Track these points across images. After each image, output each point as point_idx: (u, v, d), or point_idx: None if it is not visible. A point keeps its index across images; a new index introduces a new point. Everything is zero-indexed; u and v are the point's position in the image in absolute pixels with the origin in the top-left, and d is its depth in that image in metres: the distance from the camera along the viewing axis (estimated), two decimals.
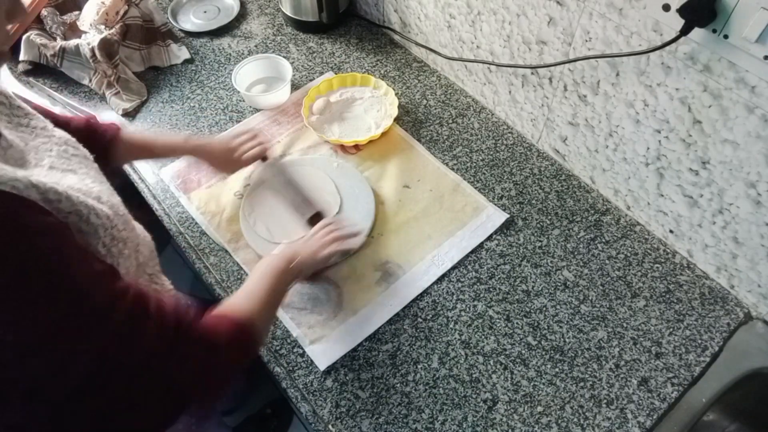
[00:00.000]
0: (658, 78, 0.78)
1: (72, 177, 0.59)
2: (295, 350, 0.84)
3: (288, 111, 1.13)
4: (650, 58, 0.77)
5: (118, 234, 0.61)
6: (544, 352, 0.84)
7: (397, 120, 1.10)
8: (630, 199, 0.96)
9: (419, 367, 0.82)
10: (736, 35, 0.64)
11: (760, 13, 0.61)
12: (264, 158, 0.98)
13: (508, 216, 0.97)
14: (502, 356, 0.83)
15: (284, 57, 1.23)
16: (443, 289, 0.90)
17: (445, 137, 1.09)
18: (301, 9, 1.25)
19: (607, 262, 0.93)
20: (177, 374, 0.55)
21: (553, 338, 0.85)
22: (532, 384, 0.81)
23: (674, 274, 0.92)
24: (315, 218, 0.93)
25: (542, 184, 1.02)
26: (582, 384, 0.81)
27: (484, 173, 1.04)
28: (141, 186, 1.03)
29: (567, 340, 0.85)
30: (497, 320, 0.87)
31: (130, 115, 1.13)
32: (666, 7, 0.69)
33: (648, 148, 0.87)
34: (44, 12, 1.18)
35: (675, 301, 0.89)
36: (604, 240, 0.95)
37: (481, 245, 0.94)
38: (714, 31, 0.66)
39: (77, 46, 1.12)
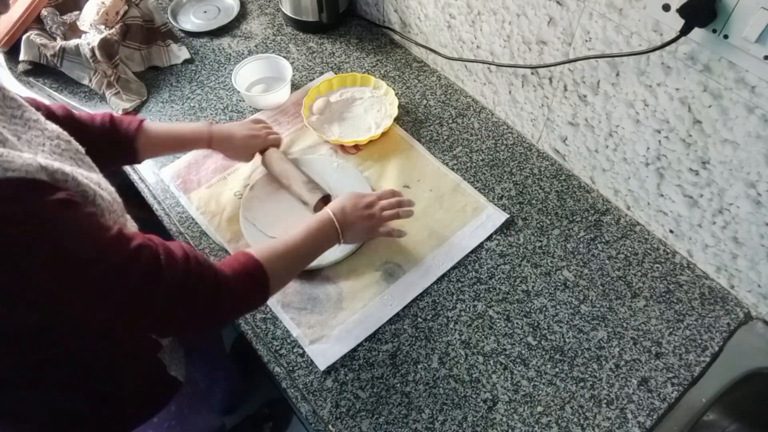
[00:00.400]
0: (658, 78, 0.78)
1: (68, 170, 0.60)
2: (295, 350, 0.84)
3: (288, 111, 1.13)
4: (650, 58, 0.77)
5: (117, 219, 0.64)
6: (544, 352, 0.84)
7: (397, 120, 1.10)
8: (630, 199, 0.96)
9: (419, 367, 0.82)
10: (736, 35, 0.64)
11: (760, 13, 0.61)
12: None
13: (508, 216, 0.97)
14: (502, 356, 0.83)
15: (284, 57, 1.23)
16: (443, 289, 0.90)
17: (445, 137, 1.09)
18: (301, 9, 1.25)
19: (607, 262, 0.93)
20: (190, 313, 0.62)
21: (553, 338, 0.85)
22: (532, 384, 0.81)
23: (674, 274, 0.92)
24: (323, 202, 0.93)
25: (542, 184, 1.02)
26: (582, 384, 0.81)
27: (484, 173, 1.04)
28: (141, 186, 1.03)
29: (567, 340, 0.85)
30: (497, 320, 0.87)
31: (129, 115, 1.13)
32: (666, 7, 0.69)
33: (648, 148, 0.87)
34: (44, 12, 1.18)
35: (675, 301, 0.89)
36: (604, 240, 0.95)
37: (481, 245, 0.94)
38: (714, 31, 0.66)
39: (77, 46, 1.12)
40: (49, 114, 0.75)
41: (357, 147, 1.07)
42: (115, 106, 1.13)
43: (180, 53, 1.23)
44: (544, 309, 0.88)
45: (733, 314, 0.87)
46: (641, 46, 0.77)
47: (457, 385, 0.81)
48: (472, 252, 0.94)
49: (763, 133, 0.70)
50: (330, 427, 0.77)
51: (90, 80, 1.15)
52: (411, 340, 0.85)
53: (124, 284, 0.56)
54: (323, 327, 0.85)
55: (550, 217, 0.98)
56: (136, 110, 1.14)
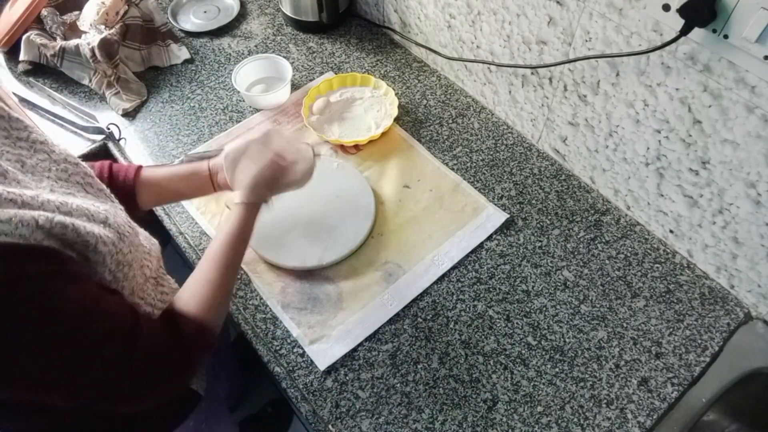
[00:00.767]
0: (658, 78, 0.78)
1: (73, 200, 0.58)
2: (295, 350, 0.84)
3: (288, 111, 1.13)
4: (650, 58, 0.77)
5: (123, 258, 0.61)
6: (544, 352, 0.84)
7: (397, 120, 1.10)
8: (630, 199, 0.96)
9: (419, 367, 0.82)
10: (736, 35, 0.64)
11: (760, 13, 0.61)
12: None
13: (508, 216, 0.97)
14: (502, 356, 0.83)
15: (284, 57, 1.23)
16: (443, 289, 0.90)
17: (445, 137, 1.09)
18: (301, 9, 1.25)
19: (607, 262, 0.93)
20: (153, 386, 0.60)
21: (553, 338, 0.85)
22: (532, 384, 0.81)
23: (674, 274, 0.92)
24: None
25: (542, 184, 1.02)
26: (582, 384, 0.81)
27: (484, 173, 1.04)
28: None
29: (567, 340, 0.85)
30: (497, 320, 0.87)
31: (129, 115, 1.13)
32: (666, 7, 0.69)
33: (648, 148, 0.87)
34: (44, 12, 1.18)
35: (675, 301, 0.89)
36: (604, 240, 0.95)
37: (481, 245, 0.94)
38: (714, 31, 0.66)
39: (77, 46, 1.12)
40: None
41: (357, 147, 1.07)
42: (115, 106, 1.13)
43: (180, 53, 1.23)
44: (544, 309, 0.88)
45: (733, 314, 0.87)
46: (641, 46, 0.77)
47: (457, 385, 0.81)
48: (472, 252, 0.94)
49: (763, 133, 0.70)
50: (330, 427, 0.77)
51: (90, 80, 1.15)
52: (411, 340, 0.85)
53: (99, 360, 0.53)
54: (323, 327, 0.85)
55: (550, 217, 0.98)
56: (136, 110, 1.14)
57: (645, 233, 0.96)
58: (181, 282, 0.84)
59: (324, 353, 0.83)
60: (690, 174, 0.83)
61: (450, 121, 1.12)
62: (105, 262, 0.58)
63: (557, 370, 0.82)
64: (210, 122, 1.12)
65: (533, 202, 1.00)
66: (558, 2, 0.84)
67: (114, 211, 0.63)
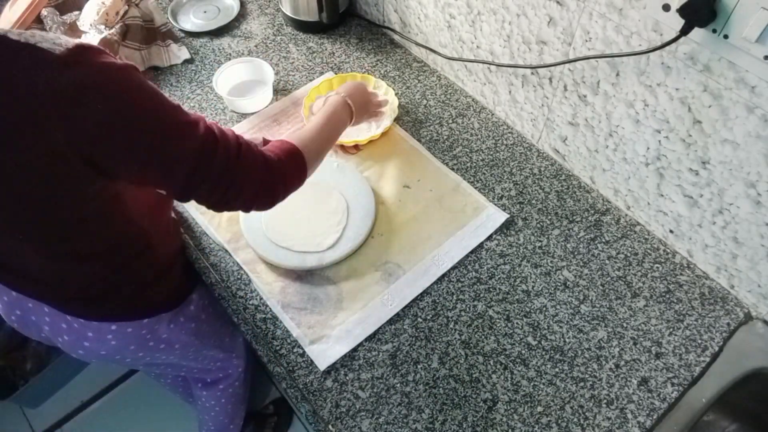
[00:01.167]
0: (658, 78, 0.78)
1: None
2: (295, 350, 0.84)
3: (288, 111, 1.13)
4: (650, 58, 0.77)
5: None
6: (544, 352, 0.84)
7: (397, 120, 1.10)
8: (630, 199, 0.96)
9: (419, 367, 0.82)
10: (736, 35, 0.64)
11: (760, 13, 0.61)
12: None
13: (508, 216, 0.97)
14: (502, 356, 0.83)
15: (284, 57, 1.23)
16: (443, 289, 0.90)
17: (445, 137, 1.09)
18: (301, 9, 1.25)
19: (607, 262, 0.93)
20: (242, 184, 0.70)
21: (553, 338, 0.85)
22: (532, 384, 0.81)
23: (674, 274, 0.92)
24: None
25: (542, 184, 1.03)
26: (582, 384, 0.81)
27: (484, 173, 1.04)
28: None
29: (567, 340, 0.85)
30: (497, 320, 0.87)
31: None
32: (666, 7, 0.69)
33: (648, 148, 0.87)
34: (44, 12, 1.18)
35: (675, 301, 0.89)
36: (604, 240, 0.95)
37: (481, 245, 0.94)
38: (714, 31, 0.66)
39: None
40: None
41: (357, 147, 1.07)
42: None
43: (180, 53, 1.23)
44: (544, 309, 0.88)
45: (733, 314, 0.87)
46: (641, 46, 0.77)
47: (457, 385, 0.81)
48: (472, 252, 0.94)
49: (763, 133, 0.70)
50: (330, 427, 0.77)
51: None
52: (411, 340, 0.85)
53: (185, 147, 0.65)
54: (323, 327, 0.85)
55: (550, 217, 0.98)
56: None
57: (645, 233, 0.96)
58: None
59: (324, 353, 0.83)
60: (690, 174, 0.83)
61: (450, 121, 1.12)
62: None
63: (557, 370, 0.82)
64: None
65: (533, 202, 1.00)
66: (558, 2, 0.84)
67: None
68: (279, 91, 1.18)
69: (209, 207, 0.73)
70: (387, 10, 1.24)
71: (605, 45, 0.82)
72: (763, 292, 0.84)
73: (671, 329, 0.86)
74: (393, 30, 1.26)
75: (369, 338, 0.85)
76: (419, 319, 0.87)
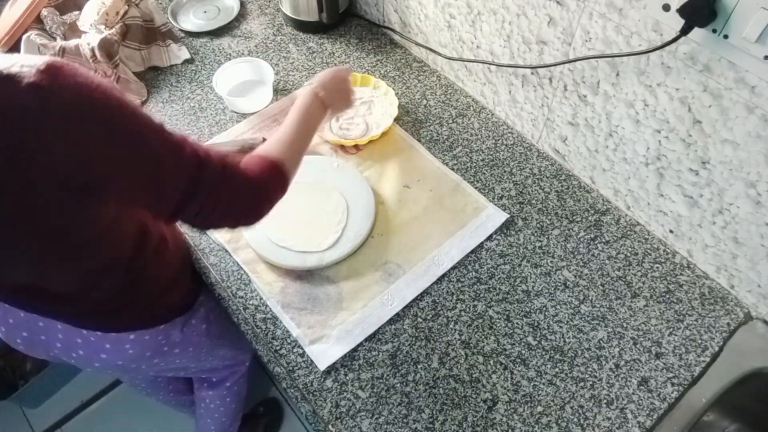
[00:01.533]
0: (658, 78, 0.78)
1: None
2: (295, 350, 0.84)
3: (288, 111, 1.13)
4: (650, 58, 0.77)
5: None
6: (544, 352, 0.84)
7: (397, 120, 1.10)
8: (630, 199, 0.96)
9: (419, 367, 0.82)
10: (736, 35, 0.64)
11: (760, 13, 0.61)
12: None
13: (508, 216, 0.97)
14: (502, 356, 0.83)
15: (284, 57, 1.23)
16: (443, 289, 0.90)
17: (445, 137, 1.09)
18: (301, 9, 1.25)
19: (607, 262, 0.93)
20: (228, 206, 0.69)
21: (553, 338, 0.85)
22: (532, 384, 0.81)
23: (674, 274, 0.92)
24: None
25: (542, 184, 1.02)
26: (582, 384, 0.81)
27: (484, 173, 1.04)
28: None
29: (567, 340, 0.85)
30: (497, 320, 0.87)
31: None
32: (666, 7, 0.69)
33: (648, 148, 0.87)
34: (44, 12, 1.18)
35: (675, 301, 0.89)
36: (604, 240, 0.95)
37: (481, 245, 0.94)
38: (714, 31, 0.66)
39: (77, 46, 1.12)
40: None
41: (357, 147, 1.07)
42: None
43: (180, 53, 1.23)
44: (544, 309, 0.88)
45: (733, 314, 0.87)
46: (641, 46, 0.77)
47: (457, 385, 0.81)
48: (472, 252, 0.94)
49: (763, 133, 0.70)
50: (330, 427, 0.77)
51: None
52: (411, 340, 0.85)
53: (173, 170, 0.64)
54: (323, 327, 0.85)
55: (550, 217, 0.98)
56: None
57: (645, 233, 0.96)
58: None
59: (324, 353, 0.83)
60: (690, 174, 0.83)
61: (450, 121, 1.12)
62: None
63: (557, 370, 0.82)
64: (210, 122, 1.12)
65: (533, 202, 1.00)
66: (558, 2, 0.84)
67: None
68: (279, 91, 1.18)
69: (194, 227, 0.73)
70: (387, 10, 1.24)
71: (605, 45, 0.82)
72: (763, 292, 0.84)
73: (671, 329, 0.86)
74: (393, 30, 1.26)
75: (369, 338, 0.85)
76: (419, 319, 0.87)
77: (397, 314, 0.87)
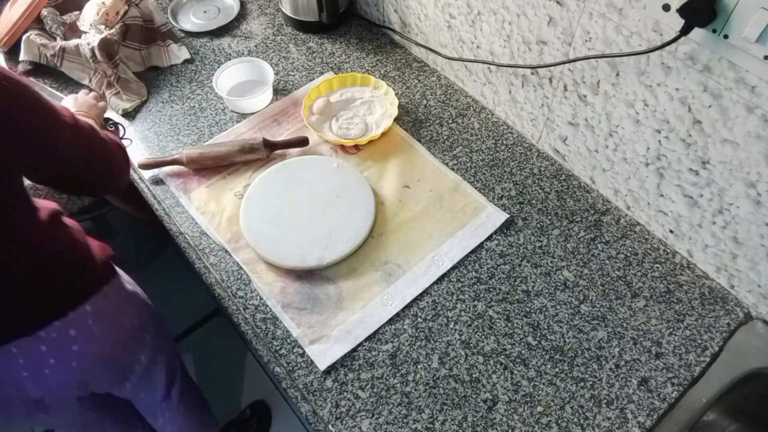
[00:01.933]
0: (658, 78, 0.78)
1: None
2: (295, 350, 0.84)
3: (288, 111, 1.13)
4: (650, 58, 0.77)
5: None
6: (544, 352, 0.84)
7: (397, 120, 1.10)
8: (630, 199, 0.96)
9: (419, 367, 0.82)
10: (736, 35, 0.64)
11: (760, 13, 0.61)
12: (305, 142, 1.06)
13: (508, 216, 0.97)
14: (502, 356, 0.83)
15: (284, 57, 1.23)
16: (443, 289, 0.90)
17: (445, 137, 1.09)
18: (301, 9, 1.25)
19: (607, 262, 0.93)
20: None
21: (553, 338, 0.85)
22: (532, 384, 0.81)
23: (674, 274, 0.92)
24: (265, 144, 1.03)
25: (542, 184, 1.02)
26: (582, 384, 0.81)
27: (484, 173, 1.04)
28: (141, 186, 1.03)
29: (567, 340, 0.85)
30: (497, 320, 0.87)
31: (129, 115, 1.13)
32: (666, 7, 0.69)
33: (648, 148, 0.87)
34: (44, 12, 1.18)
35: (675, 301, 0.89)
36: (604, 240, 0.95)
37: (481, 245, 0.94)
38: (714, 31, 0.66)
39: (77, 46, 1.12)
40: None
41: (357, 147, 1.07)
42: (115, 106, 1.13)
43: (180, 53, 1.23)
44: (544, 309, 0.88)
45: (733, 314, 0.87)
46: (641, 46, 0.77)
47: (457, 385, 0.81)
48: (472, 252, 0.94)
49: (763, 133, 0.70)
50: (330, 427, 0.77)
51: (90, 80, 1.15)
52: (411, 340, 0.85)
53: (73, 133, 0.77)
54: (323, 327, 0.85)
55: (550, 217, 0.98)
56: (136, 110, 1.14)
57: (645, 233, 0.96)
58: (178, 283, 0.85)
59: (324, 353, 0.83)
60: (690, 174, 0.83)
61: (450, 121, 1.12)
62: None
63: (557, 370, 0.82)
64: (210, 122, 1.12)
65: (533, 202, 1.00)
66: (558, 2, 0.84)
67: None
68: (279, 91, 1.18)
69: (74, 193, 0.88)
70: (387, 10, 1.24)
71: (605, 45, 0.82)
72: (763, 292, 0.84)
73: (671, 329, 0.86)
74: (393, 30, 1.26)
75: (369, 338, 0.85)
76: (419, 319, 0.87)
77: (397, 314, 0.87)
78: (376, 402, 0.79)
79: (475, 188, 1.01)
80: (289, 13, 1.27)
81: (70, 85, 1.17)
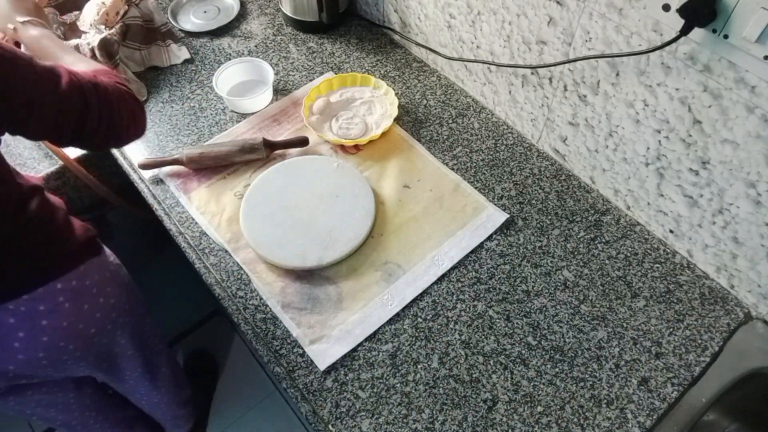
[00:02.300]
0: (658, 78, 0.78)
1: None
2: (295, 350, 0.84)
3: (288, 111, 1.13)
4: (650, 58, 0.77)
5: None
6: (544, 352, 0.84)
7: (397, 120, 1.10)
8: (630, 199, 0.96)
9: (419, 367, 0.82)
10: (736, 35, 0.64)
11: (760, 13, 0.61)
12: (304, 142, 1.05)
13: (508, 216, 0.97)
14: (502, 356, 0.83)
15: (284, 57, 1.23)
16: (443, 289, 0.90)
17: (445, 137, 1.09)
18: (301, 9, 1.25)
19: (607, 262, 0.93)
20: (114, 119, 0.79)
21: (553, 338, 0.85)
22: (532, 384, 0.81)
23: (674, 274, 0.92)
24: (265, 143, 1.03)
25: (542, 184, 1.03)
26: (582, 384, 0.81)
27: (484, 173, 1.04)
28: (141, 186, 1.03)
29: (567, 340, 0.85)
30: (497, 320, 0.87)
31: None
32: (666, 7, 0.69)
33: (648, 148, 0.87)
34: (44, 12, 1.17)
35: (675, 301, 0.89)
36: (604, 240, 0.95)
37: (481, 245, 0.94)
38: (714, 31, 0.66)
39: (77, 46, 1.12)
40: None
41: (357, 147, 1.07)
42: None
43: (180, 53, 1.23)
44: (544, 309, 0.88)
45: (733, 314, 0.87)
46: (641, 46, 0.77)
47: (457, 385, 0.81)
48: (472, 252, 0.94)
49: (763, 133, 0.70)
50: (330, 427, 0.77)
51: None
52: (411, 340, 0.85)
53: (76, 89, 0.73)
54: (323, 327, 0.85)
55: (550, 217, 0.98)
56: None
57: (645, 233, 0.96)
58: (178, 283, 0.86)
59: (324, 353, 0.83)
60: (690, 174, 0.83)
61: (450, 121, 1.12)
62: None
63: (557, 370, 0.82)
64: (210, 122, 1.12)
65: (533, 202, 1.00)
66: (558, 2, 0.84)
67: None
68: (279, 91, 1.18)
69: (94, 149, 0.81)
70: (387, 10, 1.24)
71: (605, 45, 0.82)
72: (763, 292, 0.84)
73: (671, 329, 0.86)
74: (393, 30, 1.26)
75: (369, 338, 0.85)
76: (419, 319, 0.87)
77: (397, 314, 0.87)
78: (376, 402, 0.79)
79: (475, 188, 1.01)
80: (289, 13, 1.27)
81: None
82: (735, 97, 0.71)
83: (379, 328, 0.86)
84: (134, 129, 0.83)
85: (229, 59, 1.23)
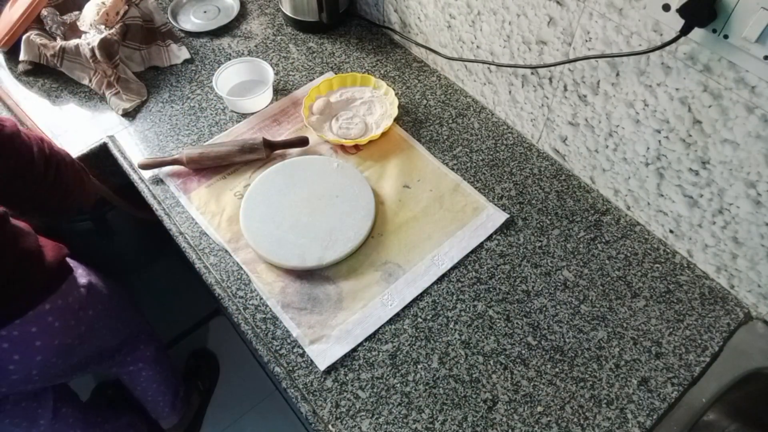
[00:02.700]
0: (658, 78, 0.78)
1: None
2: (295, 350, 0.84)
3: (288, 111, 1.13)
4: (650, 58, 0.77)
5: None
6: (544, 352, 0.84)
7: (397, 120, 1.10)
8: (630, 199, 0.96)
9: (419, 367, 0.82)
10: (736, 35, 0.64)
11: (760, 13, 0.61)
12: (304, 142, 1.05)
13: (508, 216, 0.97)
14: (502, 356, 0.83)
15: (284, 57, 1.23)
16: (443, 289, 0.90)
17: (445, 137, 1.09)
18: (301, 9, 1.25)
19: (607, 262, 0.93)
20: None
21: (553, 338, 0.85)
22: (532, 384, 0.81)
23: (674, 274, 0.92)
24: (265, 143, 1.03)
25: (542, 184, 1.03)
26: (582, 384, 0.81)
27: (484, 173, 1.04)
28: (141, 186, 1.03)
29: (567, 340, 0.85)
30: (497, 320, 0.87)
31: (130, 115, 1.13)
32: (666, 7, 0.69)
33: (648, 148, 0.87)
34: (44, 12, 1.18)
35: (675, 301, 0.89)
36: (604, 240, 0.95)
37: (481, 245, 0.94)
38: (714, 31, 0.66)
39: (77, 46, 1.12)
40: None
41: (357, 147, 1.07)
42: (115, 106, 1.13)
43: (180, 53, 1.23)
44: (544, 309, 0.88)
45: (733, 314, 0.87)
46: (641, 46, 0.77)
47: (457, 385, 0.81)
48: (472, 252, 0.94)
49: (763, 133, 0.70)
50: (330, 427, 0.77)
51: (90, 80, 1.15)
52: (411, 340, 0.85)
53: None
54: (323, 327, 0.85)
55: (550, 217, 0.98)
56: (136, 110, 1.14)
57: (645, 233, 0.96)
58: (178, 283, 0.86)
59: (324, 353, 0.83)
60: (690, 174, 0.83)
61: (450, 121, 1.12)
62: None
63: (557, 370, 0.82)
64: (210, 122, 1.12)
65: (533, 202, 1.00)
66: (558, 2, 0.84)
67: None
68: (279, 91, 1.18)
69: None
70: (387, 10, 1.24)
71: (605, 45, 0.82)
72: (763, 292, 0.84)
73: (671, 329, 0.86)
74: (393, 30, 1.26)
75: (369, 338, 0.85)
76: (419, 319, 0.87)
77: (397, 314, 0.87)
78: (376, 402, 0.79)
79: (475, 188, 1.01)
80: (289, 13, 1.27)
81: (70, 85, 1.17)
82: (735, 97, 0.71)
83: (379, 328, 0.86)
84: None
85: (229, 59, 1.23)
